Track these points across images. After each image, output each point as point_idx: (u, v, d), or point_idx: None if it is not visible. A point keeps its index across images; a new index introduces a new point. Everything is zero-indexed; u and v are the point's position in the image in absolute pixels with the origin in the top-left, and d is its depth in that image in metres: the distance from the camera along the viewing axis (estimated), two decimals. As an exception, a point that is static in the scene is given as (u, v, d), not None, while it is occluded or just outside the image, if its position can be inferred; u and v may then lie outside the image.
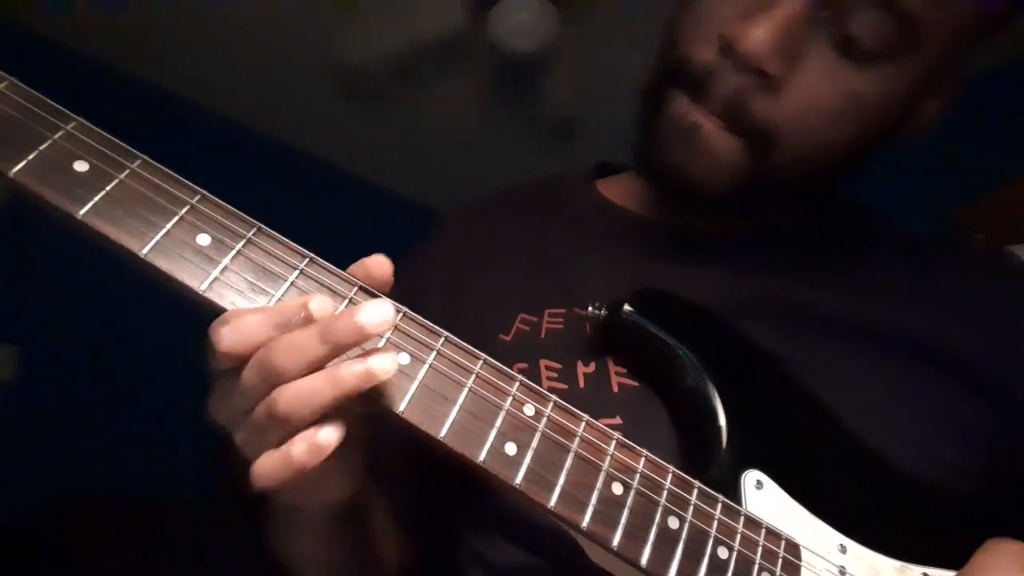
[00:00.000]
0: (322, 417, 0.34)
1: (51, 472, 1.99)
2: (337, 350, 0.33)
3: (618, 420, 0.48)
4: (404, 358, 0.36)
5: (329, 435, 0.33)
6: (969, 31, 0.50)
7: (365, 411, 0.36)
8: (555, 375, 0.50)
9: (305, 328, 0.33)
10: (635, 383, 0.50)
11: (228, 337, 0.33)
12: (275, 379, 0.33)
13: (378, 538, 0.51)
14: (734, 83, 0.48)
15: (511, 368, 0.39)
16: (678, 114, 0.50)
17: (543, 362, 0.51)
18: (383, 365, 0.33)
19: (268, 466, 0.34)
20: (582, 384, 0.50)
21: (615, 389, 0.50)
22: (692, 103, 0.50)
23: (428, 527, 0.56)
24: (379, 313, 0.33)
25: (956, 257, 0.62)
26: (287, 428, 0.33)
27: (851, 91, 0.48)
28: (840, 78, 0.47)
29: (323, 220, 2.57)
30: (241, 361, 0.34)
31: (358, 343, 0.33)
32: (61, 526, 1.86)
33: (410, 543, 0.56)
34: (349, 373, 0.33)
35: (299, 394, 0.33)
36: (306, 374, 0.33)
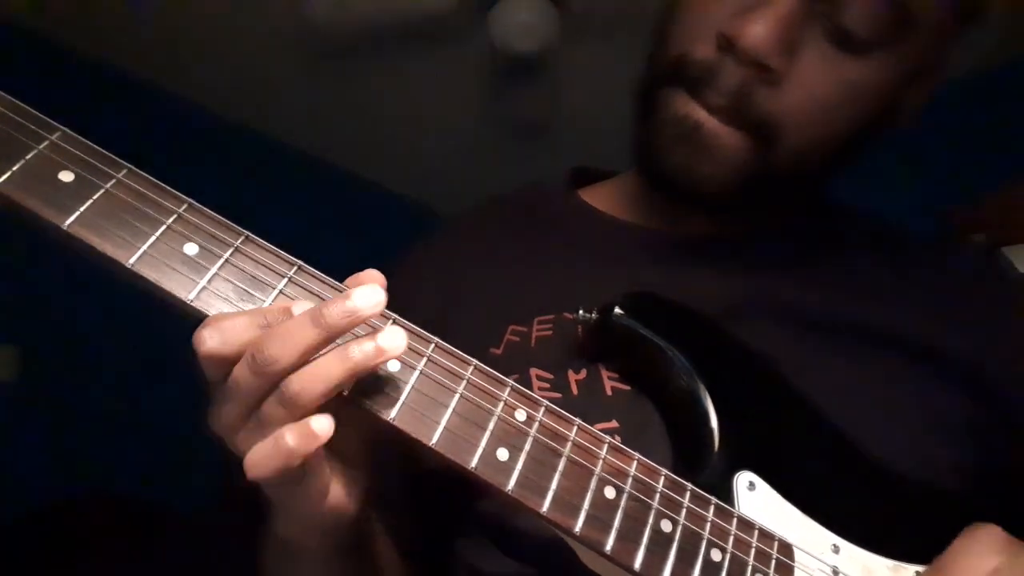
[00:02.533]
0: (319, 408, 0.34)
1: (51, 472, 1.99)
2: (331, 334, 0.33)
3: (614, 423, 0.48)
4: (395, 365, 0.36)
5: (323, 423, 0.33)
6: (953, 17, 0.51)
7: (357, 421, 0.36)
8: (547, 386, 0.50)
9: (300, 317, 0.33)
10: (628, 387, 0.50)
11: (210, 339, 0.33)
12: (270, 368, 0.33)
13: (379, 566, 0.50)
14: (736, 77, 0.48)
15: None
16: (679, 113, 0.50)
17: (533, 371, 0.51)
18: (392, 342, 0.34)
19: (260, 453, 0.33)
20: (575, 392, 0.50)
21: (608, 392, 0.50)
22: (693, 100, 0.50)
23: (424, 548, 0.56)
24: (371, 296, 0.34)
25: (945, 256, 0.62)
26: (295, 413, 0.33)
27: (848, 80, 0.49)
28: (837, 68, 0.48)
29: (321, 220, 2.57)
30: (227, 365, 0.34)
31: (351, 327, 0.34)
32: (62, 526, 1.87)
33: (407, 565, 0.55)
34: (359, 350, 0.33)
35: (311, 373, 0.33)
36: (300, 362, 0.33)
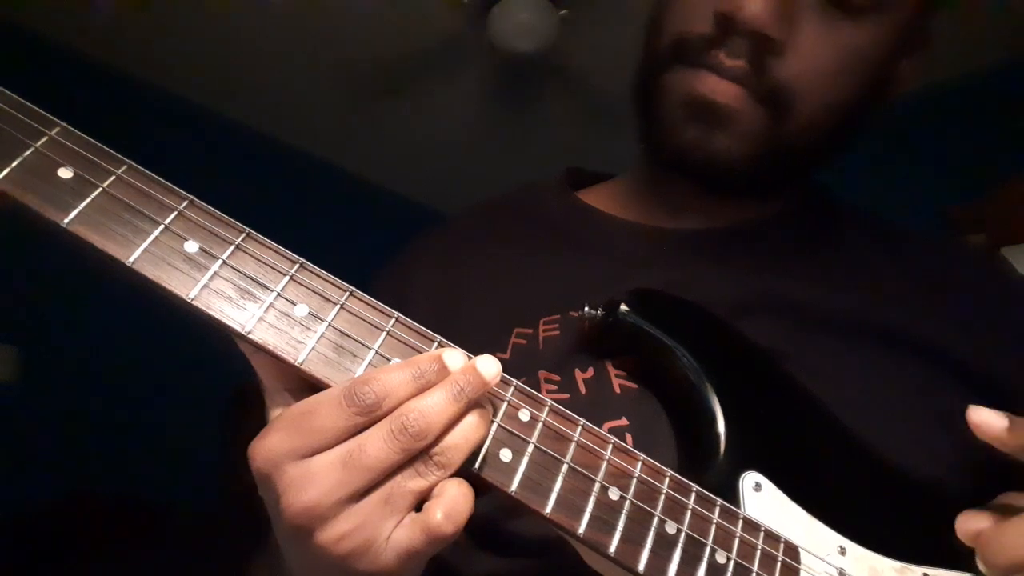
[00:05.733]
0: None
1: (51, 472, 1.99)
2: (470, 407, 0.34)
3: (624, 421, 0.48)
4: None
5: (469, 493, 0.34)
6: None
7: None
8: (555, 387, 0.50)
9: (439, 389, 0.34)
10: (635, 385, 0.50)
11: (372, 394, 0.32)
12: (420, 443, 0.33)
13: None
14: (741, 48, 0.49)
15: None
16: (687, 89, 0.51)
17: (542, 374, 0.51)
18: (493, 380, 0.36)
19: (399, 535, 0.33)
20: (583, 391, 0.50)
21: (617, 390, 0.49)
22: (699, 70, 0.50)
23: None
24: (494, 365, 0.35)
25: (945, 255, 0.61)
26: (432, 484, 0.33)
27: (848, 44, 0.50)
28: (837, 33, 0.50)
29: (322, 220, 2.57)
30: (359, 429, 0.33)
31: (481, 396, 0.35)
32: (61, 526, 1.86)
33: None
34: (489, 416, 0.36)
35: (460, 435, 0.34)
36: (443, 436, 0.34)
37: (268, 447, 0.33)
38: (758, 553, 0.40)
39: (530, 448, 0.37)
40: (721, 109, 0.50)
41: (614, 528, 0.37)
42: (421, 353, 0.36)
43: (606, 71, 2.04)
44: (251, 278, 0.35)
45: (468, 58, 2.16)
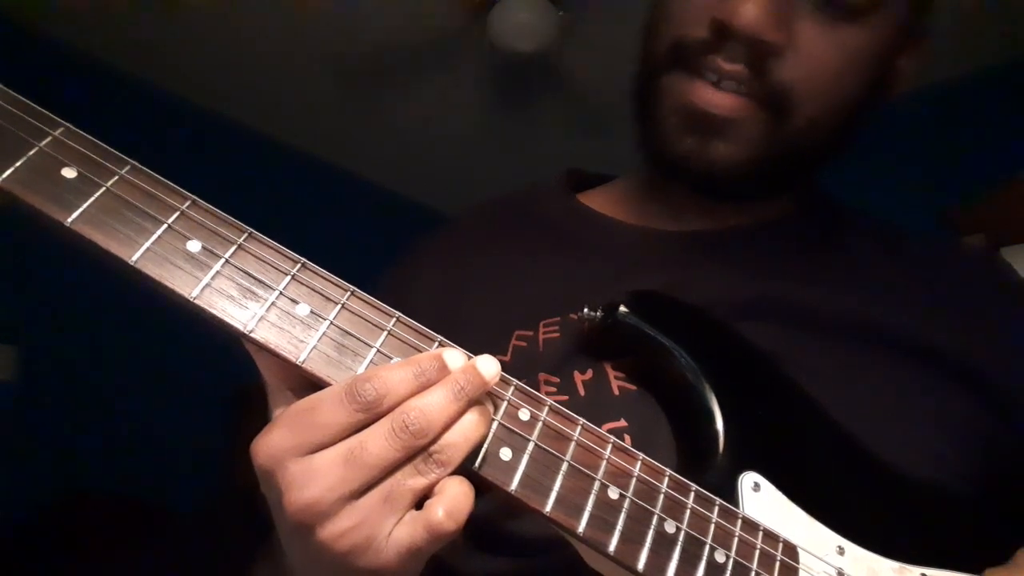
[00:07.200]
0: None
1: (51, 472, 1.99)
2: (470, 405, 0.35)
3: (623, 423, 0.48)
4: None
5: (469, 490, 0.34)
6: None
7: None
8: (554, 389, 0.50)
9: (439, 388, 0.34)
10: (634, 387, 0.50)
11: (373, 391, 0.33)
12: (420, 440, 0.33)
13: None
14: (739, 51, 0.49)
15: None
16: (685, 97, 0.51)
17: (541, 376, 0.51)
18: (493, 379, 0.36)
19: (401, 532, 0.33)
20: (582, 392, 0.50)
21: (615, 392, 0.49)
22: (696, 78, 0.50)
23: None
24: (493, 365, 0.36)
25: (950, 256, 0.62)
26: (433, 482, 0.34)
27: (847, 45, 0.50)
28: (834, 35, 0.50)
29: (322, 220, 2.57)
30: (359, 427, 0.33)
31: (481, 395, 0.35)
32: (61, 526, 1.87)
33: None
34: (489, 415, 0.36)
35: (459, 433, 0.34)
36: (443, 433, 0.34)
37: (270, 443, 0.34)
38: (757, 552, 0.40)
39: (530, 447, 0.37)
40: (716, 120, 0.50)
41: (614, 527, 0.37)
42: (422, 352, 0.36)
43: (606, 71, 2.04)
44: (253, 277, 0.35)
45: (468, 58, 2.17)
